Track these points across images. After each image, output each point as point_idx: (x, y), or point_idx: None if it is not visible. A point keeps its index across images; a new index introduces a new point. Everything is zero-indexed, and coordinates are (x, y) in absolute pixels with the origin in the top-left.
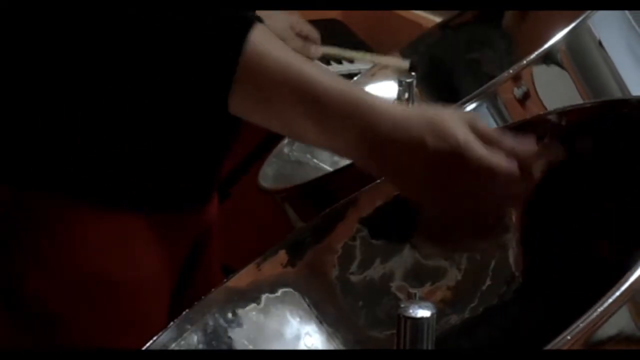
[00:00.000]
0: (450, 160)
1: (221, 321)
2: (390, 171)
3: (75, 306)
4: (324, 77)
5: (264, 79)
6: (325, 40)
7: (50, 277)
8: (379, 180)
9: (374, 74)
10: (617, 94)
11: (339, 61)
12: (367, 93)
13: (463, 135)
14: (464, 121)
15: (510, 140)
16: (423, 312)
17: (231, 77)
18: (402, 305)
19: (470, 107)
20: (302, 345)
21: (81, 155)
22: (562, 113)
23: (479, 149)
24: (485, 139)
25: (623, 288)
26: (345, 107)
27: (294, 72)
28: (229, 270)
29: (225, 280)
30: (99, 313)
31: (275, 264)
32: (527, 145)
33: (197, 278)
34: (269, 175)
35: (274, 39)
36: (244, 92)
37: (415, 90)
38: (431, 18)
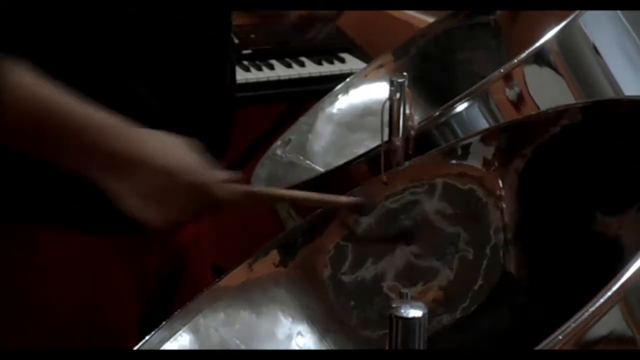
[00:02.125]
0: (193, 192)
1: (213, 321)
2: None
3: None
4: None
5: (16, 111)
6: (317, 40)
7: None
8: (371, 181)
9: (366, 75)
10: (609, 94)
11: (330, 61)
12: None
13: (206, 174)
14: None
15: (223, 172)
16: (415, 312)
17: None
18: (394, 305)
19: (462, 106)
20: (294, 345)
21: (37, 180)
22: (554, 113)
23: (217, 185)
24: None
25: (614, 288)
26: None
27: (40, 103)
28: (221, 271)
29: (217, 280)
30: (56, 335)
31: (267, 264)
32: (235, 175)
33: (179, 298)
34: (261, 176)
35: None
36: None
37: (407, 90)
38: (423, 18)
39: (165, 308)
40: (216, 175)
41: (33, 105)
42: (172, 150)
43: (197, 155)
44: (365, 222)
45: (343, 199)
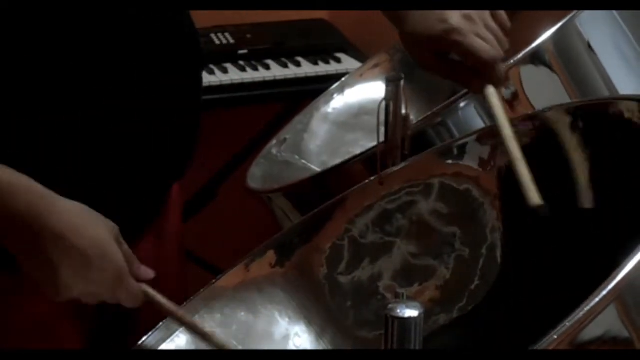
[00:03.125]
0: (103, 280)
1: (210, 322)
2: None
3: None
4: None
5: None
6: (313, 40)
7: None
8: (367, 181)
9: (362, 75)
10: (605, 93)
11: (326, 61)
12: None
13: (121, 264)
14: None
15: (136, 266)
16: (411, 312)
17: None
18: (390, 305)
19: (458, 106)
20: (291, 346)
21: None
22: (550, 112)
23: (127, 279)
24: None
25: (610, 287)
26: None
27: None
28: (217, 271)
29: (213, 280)
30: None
31: (263, 264)
32: (147, 273)
33: (138, 317)
34: (257, 175)
35: None
36: None
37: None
38: None
39: (119, 324)
40: (130, 268)
41: None
42: (89, 229)
43: (116, 241)
44: (362, 222)
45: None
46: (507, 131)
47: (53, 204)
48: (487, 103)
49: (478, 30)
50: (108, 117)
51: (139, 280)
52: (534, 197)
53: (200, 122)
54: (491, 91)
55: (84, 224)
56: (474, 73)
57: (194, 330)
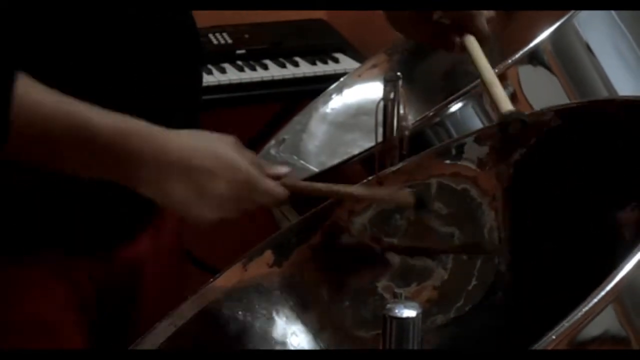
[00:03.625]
0: (237, 189)
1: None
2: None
3: None
4: (93, 113)
5: (36, 120)
6: (311, 40)
7: None
8: (365, 181)
9: (360, 75)
10: (603, 93)
11: (324, 61)
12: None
13: (248, 169)
14: (239, 153)
15: (267, 167)
16: (409, 312)
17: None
18: (388, 306)
19: (456, 106)
20: (289, 345)
21: None
22: (548, 112)
23: (262, 181)
24: (251, 163)
25: (608, 288)
26: (119, 139)
27: (64, 111)
28: (215, 270)
29: (211, 280)
30: None
31: (261, 263)
32: (281, 169)
33: (134, 318)
34: None
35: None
36: (20, 135)
37: (401, 90)
38: None
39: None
40: (260, 171)
41: (46, 115)
42: (208, 148)
43: (237, 151)
44: (359, 222)
45: (399, 194)
46: (484, 63)
47: (166, 134)
48: (466, 50)
49: None
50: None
51: (274, 177)
52: (507, 105)
53: (200, 121)
54: (471, 39)
55: (201, 143)
56: (455, 32)
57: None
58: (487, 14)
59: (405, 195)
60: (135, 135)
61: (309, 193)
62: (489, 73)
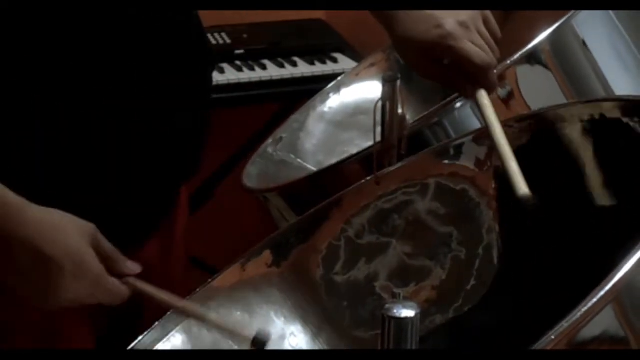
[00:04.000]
0: (80, 287)
1: None
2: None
3: None
4: None
5: None
6: (310, 40)
7: None
8: (364, 181)
9: (358, 74)
10: (601, 94)
11: (323, 61)
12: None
13: (97, 270)
14: (95, 247)
15: (122, 264)
16: (407, 312)
17: None
18: (387, 306)
19: (455, 106)
20: (287, 345)
21: None
22: (546, 112)
23: (105, 282)
24: (107, 259)
25: (607, 288)
26: None
27: None
28: (214, 270)
29: (209, 280)
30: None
31: (259, 264)
32: (134, 267)
33: (139, 325)
34: (253, 175)
35: None
36: None
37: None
38: None
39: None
40: (109, 265)
41: None
42: (62, 240)
43: (91, 245)
44: (358, 222)
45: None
46: (498, 129)
47: (23, 212)
48: (478, 105)
49: (472, 37)
50: (118, 118)
51: (125, 275)
52: (522, 187)
53: (210, 122)
54: (482, 94)
55: (55, 232)
56: (466, 78)
57: (192, 315)
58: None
59: (242, 333)
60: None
61: (149, 299)
62: (502, 139)
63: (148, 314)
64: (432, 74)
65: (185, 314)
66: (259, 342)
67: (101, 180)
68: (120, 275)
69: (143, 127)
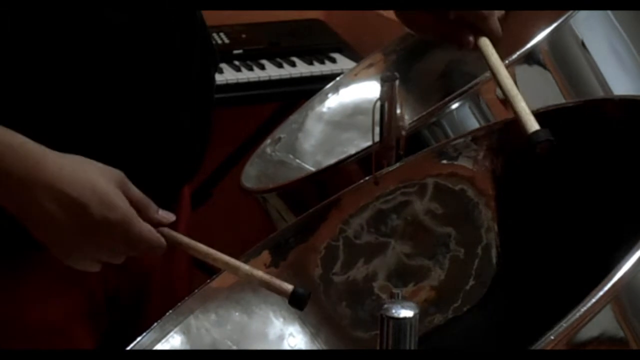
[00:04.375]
0: (110, 229)
1: (204, 322)
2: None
3: None
4: None
5: None
6: (308, 40)
7: None
8: (362, 181)
9: (356, 74)
10: (599, 93)
11: (321, 61)
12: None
13: (126, 209)
14: (123, 191)
15: (153, 211)
16: (406, 312)
17: None
18: (385, 306)
19: (453, 106)
20: (286, 346)
21: None
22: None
23: (138, 224)
24: (137, 206)
25: (606, 288)
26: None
27: None
28: (212, 271)
29: (208, 280)
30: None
31: (258, 264)
32: (167, 216)
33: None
34: (251, 175)
35: None
36: None
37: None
38: None
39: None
40: (140, 214)
41: None
42: (87, 180)
43: (119, 188)
44: (356, 222)
45: (276, 283)
46: (504, 73)
47: (44, 157)
48: (481, 53)
49: None
50: (122, 118)
51: (158, 224)
52: (534, 124)
53: (212, 122)
54: (485, 41)
55: (77, 174)
56: (469, 30)
57: (229, 268)
58: (498, 13)
59: (284, 287)
60: (8, 150)
61: (186, 251)
62: (508, 81)
63: (148, 314)
64: (435, 29)
65: (224, 268)
66: (298, 296)
67: None
68: (153, 225)
69: (147, 127)
